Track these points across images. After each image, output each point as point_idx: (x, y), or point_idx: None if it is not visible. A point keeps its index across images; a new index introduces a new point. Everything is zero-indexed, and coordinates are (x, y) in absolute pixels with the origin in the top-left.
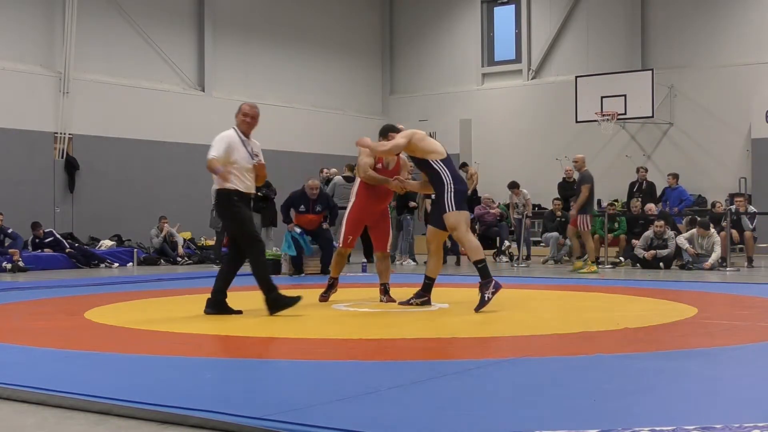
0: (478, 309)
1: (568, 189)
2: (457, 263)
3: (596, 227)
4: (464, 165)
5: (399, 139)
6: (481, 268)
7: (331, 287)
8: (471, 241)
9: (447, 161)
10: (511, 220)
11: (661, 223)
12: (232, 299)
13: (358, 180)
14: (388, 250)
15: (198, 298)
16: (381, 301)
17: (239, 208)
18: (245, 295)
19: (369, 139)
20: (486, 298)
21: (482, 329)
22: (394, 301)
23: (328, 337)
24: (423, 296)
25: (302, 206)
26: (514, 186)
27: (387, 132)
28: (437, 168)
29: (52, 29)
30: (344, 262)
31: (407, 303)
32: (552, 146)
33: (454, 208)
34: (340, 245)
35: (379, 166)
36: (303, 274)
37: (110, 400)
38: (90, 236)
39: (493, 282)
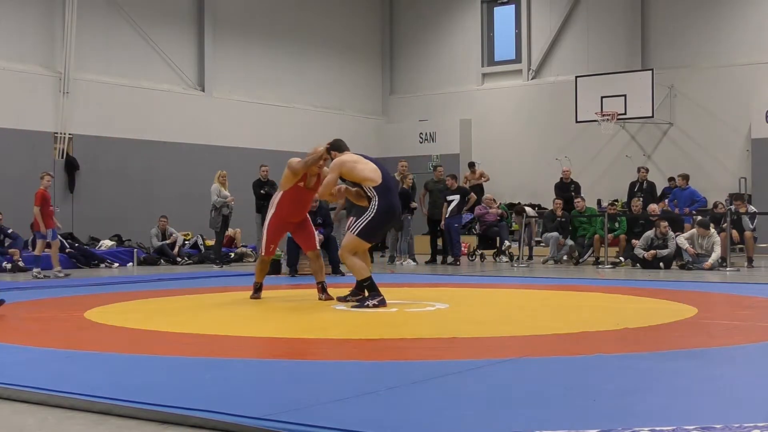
0: (353, 307)
1: (565, 190)
2: (457, 263)
3: (596, 227)
4: (472, 165)
5: (330, 175)
6: (368, 285)
7: (258, 290)
8: (354, 264)
9: (381, 188)
10: (514, 223)
11: (665, 224)
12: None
13: (279, 193)
14: (318, 248)
15: (198, 298)
16: (319, 299)
17: None
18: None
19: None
20: (367, 304)
21: (482, 329)
22: (332, 298)
23: (328, 337)
24: (358, 295)
25: (319, 219)
26: (519, 213)
27: (331, 150)
28: (369, 194)
29: (52, 29)
30: (267, 268)
31: (344, 299)
32: (552, 146)
33: (357, 233)
34: (263, 253)
35: (301, 184)
36: (297, 274)
37: (110, 400)
38: (90, 236)
39: (381, 298)
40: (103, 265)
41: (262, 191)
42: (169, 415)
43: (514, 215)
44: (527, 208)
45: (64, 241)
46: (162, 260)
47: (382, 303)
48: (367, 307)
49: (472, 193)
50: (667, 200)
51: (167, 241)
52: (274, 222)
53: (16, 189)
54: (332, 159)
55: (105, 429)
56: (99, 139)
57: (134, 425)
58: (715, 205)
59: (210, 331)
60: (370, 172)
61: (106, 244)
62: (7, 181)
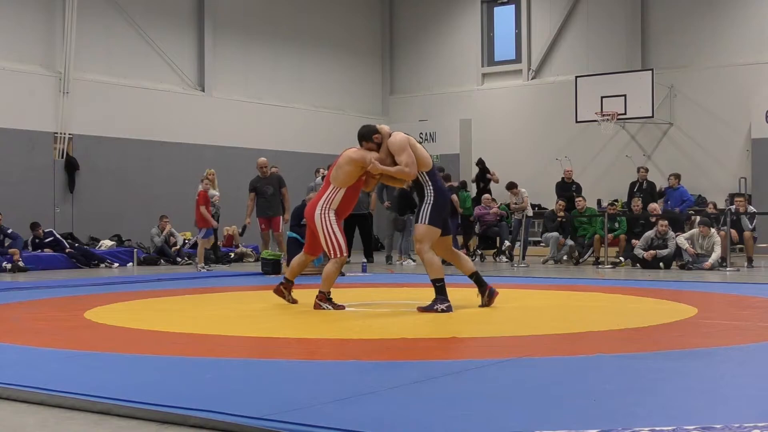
0: (420, 309)
1: (566, 190)
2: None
3: (596, 227)
4: (482, 163)
5: (406, 157)
6: (439, 287)
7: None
8: (431, 259)
9: (432, 173)
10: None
11: (665, 222)
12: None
13: (340, 191)
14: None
15: (198, 298)
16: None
17: None
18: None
19: (379, 165)
20: (435, 308)
21: (482, 329)
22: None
23: (328, 337)
24: (490, 292)
25: (303, 219)
26: (511, 186)
27: (371, 135)
28: (422, 180)
29: (52, 29)
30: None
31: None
32: (552, 146)
33: (425, 221)
34: (342, 254)
35: (364, 177)
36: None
37: (110, 400)
38: (90, 236)
39: (448, 303)
40: (103, 265)
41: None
42: (169, 415)
43: (508, 191)
44: (522, 189)
45: (64, 240)
46: (162, 260)
47: (449, 309)
48: (435, 311)
49: (454, 195)
50: (662, 200)
51: (165, 232)
52: (338, 222)
53: (16, 189)
54: (379, 143)
55: (105, 429)
56: (99, 139)
57: (134, 425)
58: (707, 205)
59: (210, 331)
60: (427, 157)
61: (106, 244)
62: (7, 181)
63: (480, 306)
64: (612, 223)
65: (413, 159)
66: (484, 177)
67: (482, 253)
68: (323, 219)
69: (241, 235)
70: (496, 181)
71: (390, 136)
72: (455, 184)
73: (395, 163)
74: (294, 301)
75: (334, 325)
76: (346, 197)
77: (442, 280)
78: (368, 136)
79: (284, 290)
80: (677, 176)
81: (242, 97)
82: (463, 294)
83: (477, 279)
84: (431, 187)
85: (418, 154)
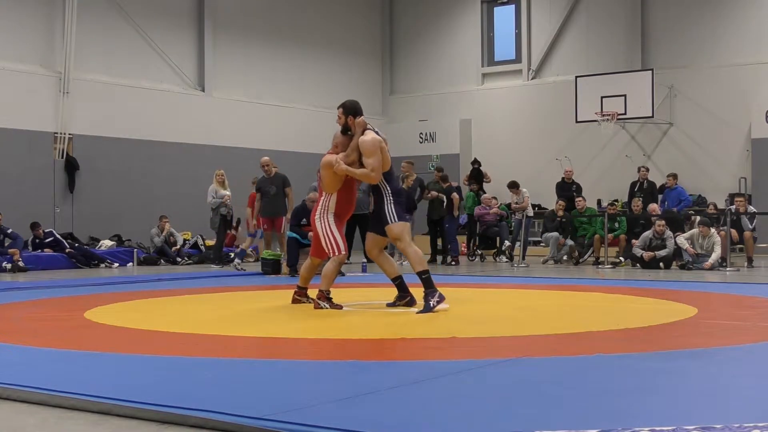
0: (419, 312)
1: (566, 190)
2: (456, 263)
3: (596, 227)
4: (476, 162)
5: (374, 161)
6: (425, 279)
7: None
8: (415, 252)
9: (388, 174)
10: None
11: (662, 223)
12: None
13: (332, 195)
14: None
15: (198, 298)
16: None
17: None
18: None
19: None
20: (431, 305)
21: (482, 329)
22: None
23: (328, 337)
24: (405, 297)
25: (304, 219)
26: (513, 186)
27: (349, 114)
28: (380, 183)
29: (52, 29)
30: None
31: (393, 305)
32: (552, 146)
33: (396, 219)
34: (342, 252)
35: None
36: (297, 274)
37: (110, 400)
38: (90, 236)
39: (438, 293)
40: (103, 265)
41: None
42: (169, 415)
43: (509, 190)
44: (523, 189)
45: (64, 240)
46: (162, 260)
47: (442, 298)
48: (433, 310)
49: (454, 194)
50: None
51: (164, 233)
52: (341, 222)
53: (16, 189)
54: (347, 125)
55: (105, 429)
56: (99, 139)
57: (134, 425)
58: (707, 205)
59: (210, 331)
60: (388, 158)
61: (106, 244)
62: (7, 181)
63: (388, 304)
64: (612, 223)
65: (380, 164)
66: (479, 178)
67: (482, 253)
68: (321, 222)
69: (235, 229)
70: (488, 180)
71: (364, 132)
72: (454, 183)
73: (359, 157)
74: (312, 301)
75: (334, 325)
76: (341, 198)
77: (427, 271)
78: (350, 110)
79: (300, 297)
80: (674, 176)
81: (242, 97)
82: (463, 294)
83: (400, 284)
84: (389, 189)
85: (383, 157)
